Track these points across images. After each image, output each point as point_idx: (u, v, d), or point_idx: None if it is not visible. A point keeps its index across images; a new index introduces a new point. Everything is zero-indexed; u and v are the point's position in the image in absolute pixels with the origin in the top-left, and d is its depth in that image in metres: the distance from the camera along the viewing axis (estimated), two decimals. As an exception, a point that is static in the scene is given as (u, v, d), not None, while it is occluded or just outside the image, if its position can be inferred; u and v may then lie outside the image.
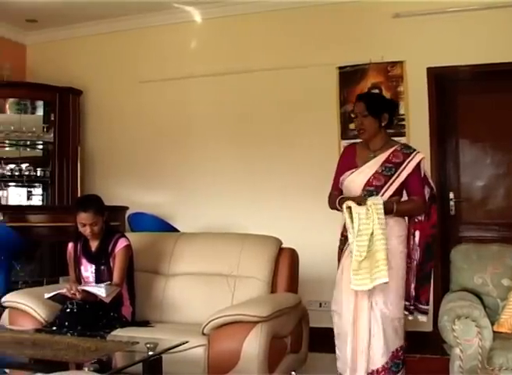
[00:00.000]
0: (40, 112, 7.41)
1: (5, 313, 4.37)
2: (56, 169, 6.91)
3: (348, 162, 4.04)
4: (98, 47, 7.25)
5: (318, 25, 6.30)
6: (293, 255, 4.58)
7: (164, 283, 4.62)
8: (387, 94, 6.01)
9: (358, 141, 4.15)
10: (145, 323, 4.27)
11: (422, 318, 4.00)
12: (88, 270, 4.29)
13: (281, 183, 6.29)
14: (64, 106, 6.99)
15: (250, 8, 6.48)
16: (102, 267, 4.24)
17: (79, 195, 6.69)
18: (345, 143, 6.04)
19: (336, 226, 5.96)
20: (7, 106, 7.25)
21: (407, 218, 3.95)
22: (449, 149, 6.09)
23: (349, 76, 6.18)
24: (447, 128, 6.06)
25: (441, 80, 6.01)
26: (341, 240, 4.03)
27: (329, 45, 6.23)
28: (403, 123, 5.96)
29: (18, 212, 6.54)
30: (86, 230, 4.25)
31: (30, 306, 4.18)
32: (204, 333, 3.83)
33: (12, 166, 6.82)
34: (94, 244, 4.33)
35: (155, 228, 5.96)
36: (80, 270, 4.33)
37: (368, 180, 3.88)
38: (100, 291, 3.96)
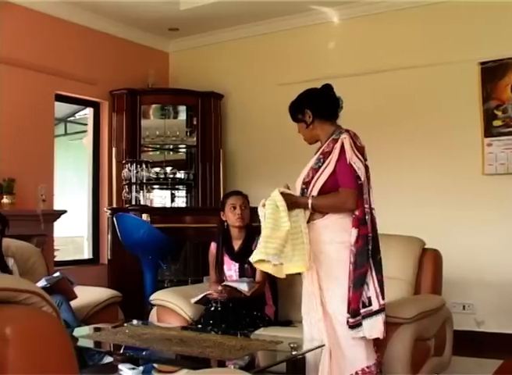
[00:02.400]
0: (182, 116, 7.65)
1: (153, 311, 4.54)
2: (199, 171, 7.08)
3: None
4: (237, 51, 7.39)
5: (457, 21, 6.09)
6: (437, 256, 4.45)
7: (306, 283, 4.63)
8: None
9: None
10: (288, 323, 4.30)
11: (352, 333, 3.34)
12: (232, 269, 4.39)
13: (421, 182, 6.16)
14: (206, 110, 7.16)
15: (388, 6, 6.38)
16: (246, 266, 4.32)
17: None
18: (489, 141, 5.86)
19: (479, 226, 5.83)
20: (151, 112, 7.54)
21: (348, 218, 3.42)
22: None
23: (491, 71, 5.94)
24: None
25: None
26: None
27: (469, 41, 6.01)
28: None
29: (163, 213, 6.78)
30: (236, 213, 4.37)
31: (176, 305, 4.32)
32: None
33: (157, 169, 7.05)
34: (236, 244, 4.42)
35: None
36: (222, 269, 4.43)
37: (303, 178, 3.56)
38: (242, 285, 4.04)
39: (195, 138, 7.17)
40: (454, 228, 5.93)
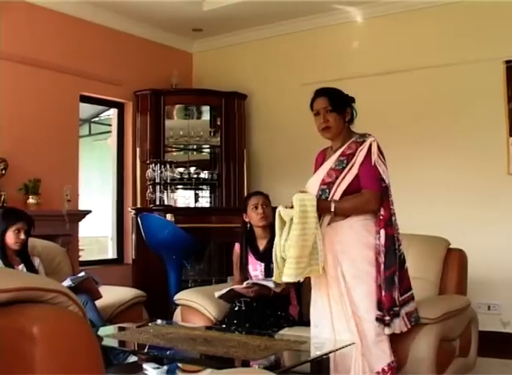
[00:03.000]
0: (206, 116, 7.67)
1: (178, 310, 4.56)
2: (223, 171, 7.10)
3: (316, 168, 3.75)
4: (261, 51, 7.39)
5: (481, 19, 6.02)
6: (462, 256, 4.42)
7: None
8: None
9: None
10: (312, 323, 4.30)
11: (385, 330, 3.41)
12: (257, 269, 4.38)
13: (446, 182, 6.11)
14: (229, 110, 7.17)
15: (410, 5, 6.33)
16: (272, 266, 4.32)
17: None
18: (515, 140, 5.81)
19: (505, 226, 5.77)
20: (174, 112, 7.56)
21: (372, 219, 3.51)
22: None
23: (517, 69, 5.89)
24: None
25: None
26: None
27: (494, 39, 5.92)
28: None
29: (187, 213, 6.80)
30: (258, 212, 4.38)
31: (201, 304, 4.33)
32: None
33: (181, 169, 7.07)
34: (262, 244, 4.43)
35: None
36: (247, 270, 4.43)
37: (322, 179, 3.57)
38: (268, 282, 4.04)
39: (219, 138, 7.18)
40: (479, 228, 5.88)
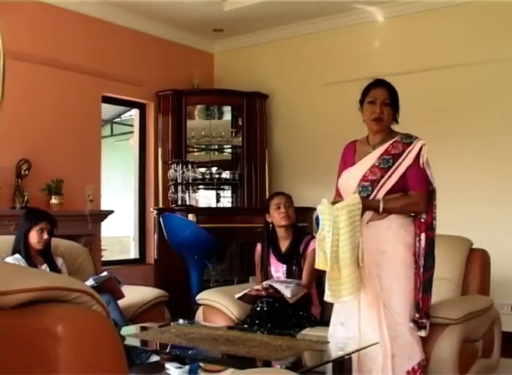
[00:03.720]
0: (227, 117, 7.67)
1: (200, 310, 4.56)
2: (245, 171, 7.10)
3: (347, 161, 3.69)
4: (282, 51, 7.38)
5: (501, 18, 5.96)
6: (485, 256, 4.39)
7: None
8: None
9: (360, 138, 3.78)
10: (334, 323, 4.28)
11: (421, 333, 3.43)
12: (279, 271, 4.37)
13: (467, 181, 6.06)
14: (251, 110, 7.17)
15: (429, 4, 6.28)
16: (294, 267, 4.31)
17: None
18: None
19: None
20: (196, 113, 7.58)
21: (409, 219, 3.51)
22: None
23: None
24: None
25: None
26: None
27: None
28: None
29: (209, 213, 6.82)
30: (281, 212, 4.37)
31: (223, 304, 4.34)
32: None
33: (202, 169, 7.09)
34: (284, 245, 4.42)
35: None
36: (269, 271, 4.43)
37: (364, 175, 3.49)
38: (286, 291, 4.02)
39: (240, 138, 7.19)
40: (502, 228, 5.83)
